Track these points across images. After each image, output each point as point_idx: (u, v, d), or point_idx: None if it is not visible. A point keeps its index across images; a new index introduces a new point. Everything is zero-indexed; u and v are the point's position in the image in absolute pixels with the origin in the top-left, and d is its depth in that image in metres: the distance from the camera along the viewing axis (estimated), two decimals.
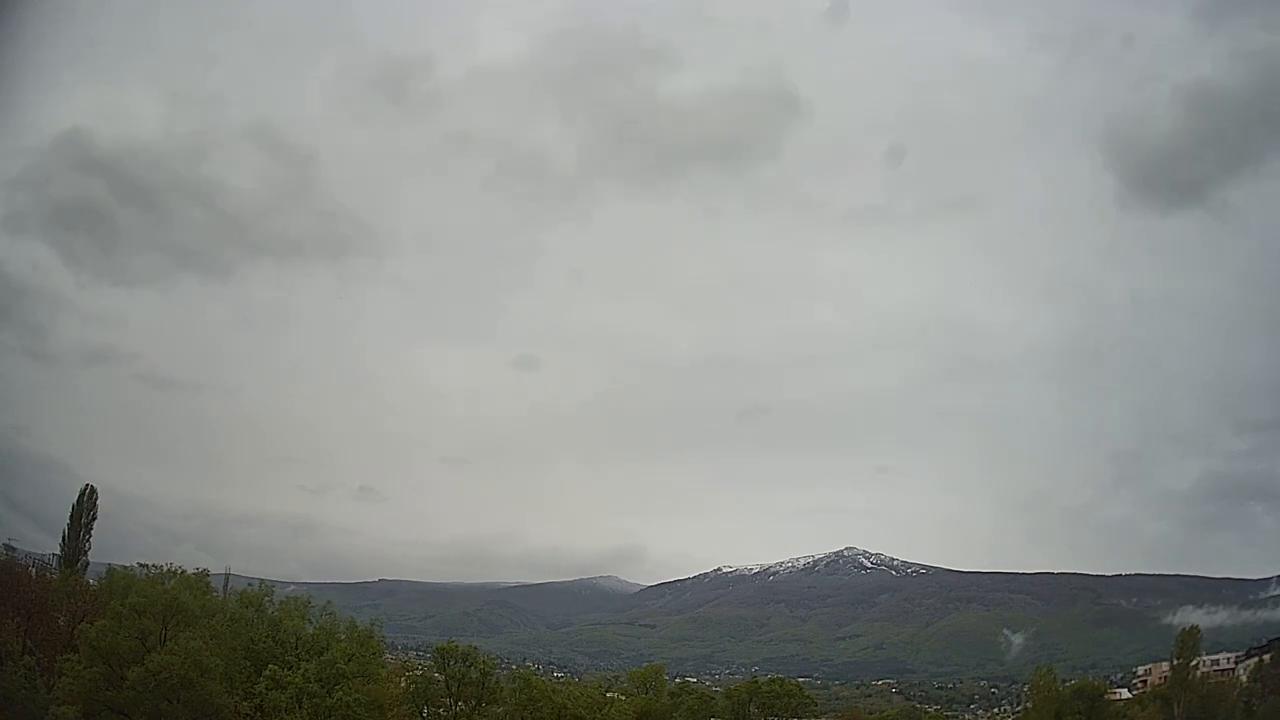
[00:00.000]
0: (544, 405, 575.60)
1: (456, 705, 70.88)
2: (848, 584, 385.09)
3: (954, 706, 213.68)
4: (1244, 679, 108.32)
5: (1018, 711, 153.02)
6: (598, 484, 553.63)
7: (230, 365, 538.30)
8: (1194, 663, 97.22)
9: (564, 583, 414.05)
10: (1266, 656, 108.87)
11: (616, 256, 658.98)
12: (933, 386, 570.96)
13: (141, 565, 67.67)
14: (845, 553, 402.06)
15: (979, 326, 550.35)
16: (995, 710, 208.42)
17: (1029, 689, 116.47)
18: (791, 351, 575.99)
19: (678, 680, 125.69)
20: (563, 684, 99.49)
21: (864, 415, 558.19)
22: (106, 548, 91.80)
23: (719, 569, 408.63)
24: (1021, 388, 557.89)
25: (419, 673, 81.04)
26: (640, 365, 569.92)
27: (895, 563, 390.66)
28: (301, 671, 58.12)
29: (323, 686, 58.17)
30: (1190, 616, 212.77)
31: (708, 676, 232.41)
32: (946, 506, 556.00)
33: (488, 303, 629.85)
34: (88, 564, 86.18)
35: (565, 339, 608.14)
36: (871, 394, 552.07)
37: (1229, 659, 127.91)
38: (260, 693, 57.39)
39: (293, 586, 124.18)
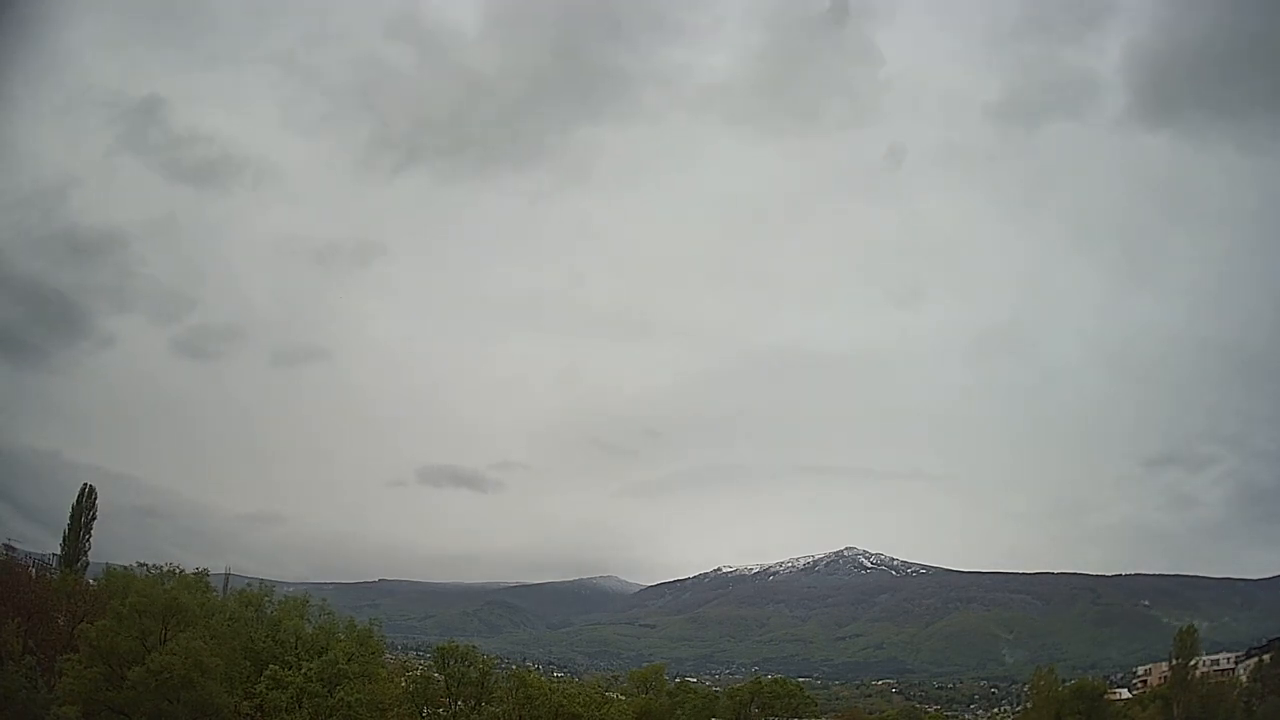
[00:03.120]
0: (559, 405, 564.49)
1: (455, 705, 71.01)
2: (848, 584, 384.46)
3: (954, 706, 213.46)
4: (1244, 679, 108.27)
5: (1018, 711, 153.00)
6: (598, 483, 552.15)
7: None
8: (1193, 663, 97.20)
9: (564, 583, 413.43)
10: (1266, 656, 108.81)
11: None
12: (960, 392, 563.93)
13: (140, 565, 67.82)
14: (845, 553, 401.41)
15: (1033, 327, 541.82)
16: (995, 710, 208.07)
17: (1029, 689, 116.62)
18: (830, 355, 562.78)
19: (678, 680, 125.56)
20: (560, 683, 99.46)
21: (875, 417, 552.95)
22: (107, 547, 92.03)
23: (719, 569, 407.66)
24: (1057, 388, 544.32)
25: (418, 672, 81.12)
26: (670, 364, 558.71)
27: (895, 563, 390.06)
28: (303, 671, 58.17)
29: (324, 686, 58.23)
30: (1191, 616, 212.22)
31: (707, 676, 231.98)
32: (949, 507, 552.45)
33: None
34: (88, 564, 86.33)
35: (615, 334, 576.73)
36: (890, 396, 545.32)
37: (1229, 659, 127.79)
38: (260, 693, 57.42)
39: (292, 586, 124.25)
